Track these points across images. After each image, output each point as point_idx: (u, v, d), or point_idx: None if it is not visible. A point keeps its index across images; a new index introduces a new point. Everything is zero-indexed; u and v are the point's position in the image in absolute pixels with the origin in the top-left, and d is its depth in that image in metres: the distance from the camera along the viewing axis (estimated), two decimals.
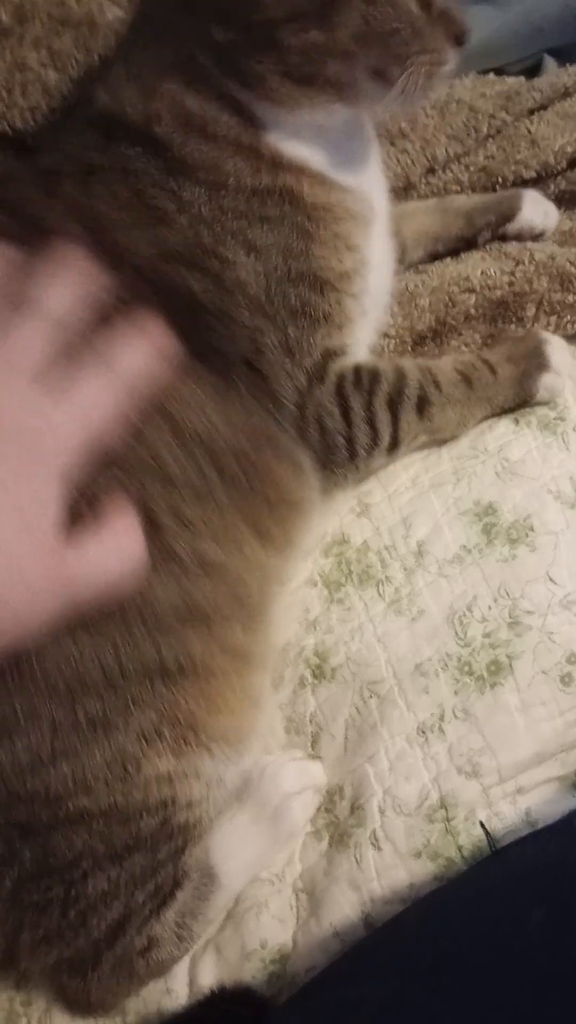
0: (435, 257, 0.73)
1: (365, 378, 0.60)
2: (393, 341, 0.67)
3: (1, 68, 0.65)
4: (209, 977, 0.56)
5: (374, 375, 0.60)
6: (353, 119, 0.59)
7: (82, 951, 0.51)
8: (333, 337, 0.58)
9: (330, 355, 0.59)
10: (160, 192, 0.54)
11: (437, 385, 0.62)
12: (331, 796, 0.59)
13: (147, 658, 0.52)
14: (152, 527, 0.49)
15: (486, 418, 0.65)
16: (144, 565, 0.44)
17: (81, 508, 0.44)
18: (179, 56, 0.54)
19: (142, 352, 0.44)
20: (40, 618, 0.40)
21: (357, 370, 0.60)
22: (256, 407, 0.57)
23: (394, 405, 0.60)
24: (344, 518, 0.66)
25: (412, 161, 0.74)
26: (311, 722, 0.61)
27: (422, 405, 0.61)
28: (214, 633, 0.54)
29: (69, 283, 0.43)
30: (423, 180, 0.73)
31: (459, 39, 0.52)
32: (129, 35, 0.60)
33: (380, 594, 0.62)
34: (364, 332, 0.62)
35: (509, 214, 0.71)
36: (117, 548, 0.42)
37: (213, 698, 0.54)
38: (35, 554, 0.39)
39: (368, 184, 0.61)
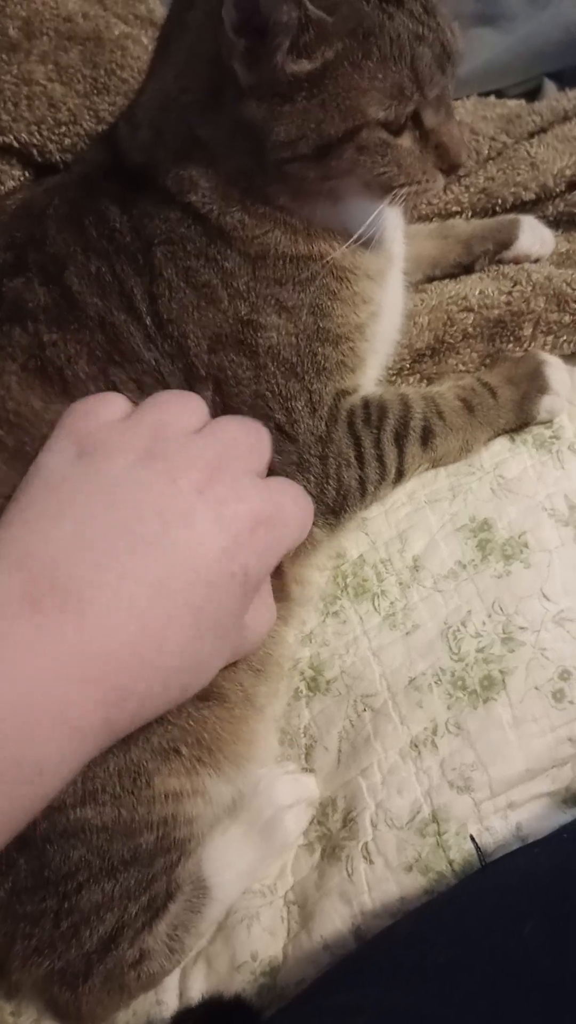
0: (431, 280, 0.74)
1: (374, 413, 0.61)
2: (392, 358, 0.68)
3: (8, 81, 0.66)
4: (199, 989, 0.56)
5: (382, 408, 0.61)
6: None
7: (74, 963, 0.51)
8: (346, 380, 0.60)
9: (342, 395, 0.60)
10: (204, 263, 0.55)
11: (440, 414, 0.63)
12: (324, 809, 0.59)
13: None
14: None
15: (488, 441, 0.66)
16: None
17: None
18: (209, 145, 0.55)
19: None
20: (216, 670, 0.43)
21: (366, 404, 0.61)
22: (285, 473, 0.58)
23: (400, 439, 0.61)
24: None
25: None
26: (305, 734, 0.62)
27: (426, 436, 0.62)
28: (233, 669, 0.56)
29: None
30: (424, 201, 0.74)
31: (450, 170, 0.55)
32: (155, 89, 0.58)
33: (375, 608, 0.63)
34: (374, 370, 0.64)
35: (507, 241, 0.72)
36: (267, 608, 0.47)
37: (235, 725, 0.56)
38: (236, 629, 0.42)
39: (388, 236, 0.62)
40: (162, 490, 0.39)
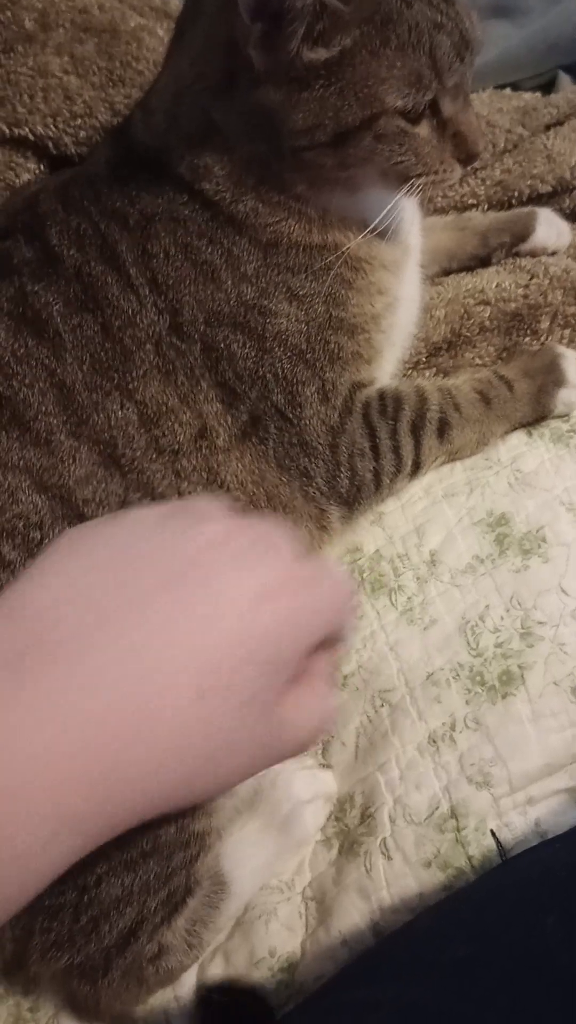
0: (448, 273, 0.74)
1: (390, 404, 0.61)
2: (408, 352, 0.67)
3: (24, 73, 0.66)
4: None
5: (398, 400, 0.61)
6: None
7: (93, 957, 0.51)
8: (362, 371, 0.60)
9: (358, 387, 0.60)
10: (207, 244, 0.55)
11: (457, 407, 0.62)
12: (341, 804, 0.59)
13: None
14: None
15: (505, 434, 0.65)
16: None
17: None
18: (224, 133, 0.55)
19: None
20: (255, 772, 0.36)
21: (382, 396, 0.61)
22: (285, 463, 0.58)
23: (417, 430, 0.61)
24: None
25: None
26: None
27: (443, 428, 0.62)
28: None
29: None
30: (440, 193, 0.74)
31: (467, 160, 0.54)
32: (170, 76, 0.58)
33: (392, 603, 0.63)
34: (390, 363, 0.64)
35: (523, 234, 0.72)
36: (318, 697, 0.37)
37: None
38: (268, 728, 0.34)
39: (405, 227, 0.62)
40: (182, 548, 0.34)
